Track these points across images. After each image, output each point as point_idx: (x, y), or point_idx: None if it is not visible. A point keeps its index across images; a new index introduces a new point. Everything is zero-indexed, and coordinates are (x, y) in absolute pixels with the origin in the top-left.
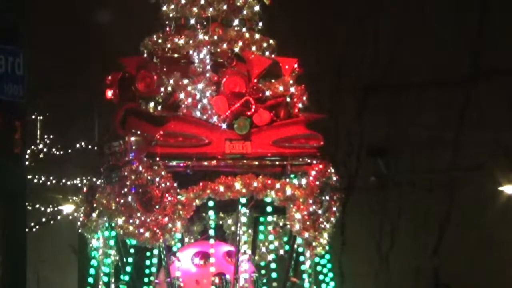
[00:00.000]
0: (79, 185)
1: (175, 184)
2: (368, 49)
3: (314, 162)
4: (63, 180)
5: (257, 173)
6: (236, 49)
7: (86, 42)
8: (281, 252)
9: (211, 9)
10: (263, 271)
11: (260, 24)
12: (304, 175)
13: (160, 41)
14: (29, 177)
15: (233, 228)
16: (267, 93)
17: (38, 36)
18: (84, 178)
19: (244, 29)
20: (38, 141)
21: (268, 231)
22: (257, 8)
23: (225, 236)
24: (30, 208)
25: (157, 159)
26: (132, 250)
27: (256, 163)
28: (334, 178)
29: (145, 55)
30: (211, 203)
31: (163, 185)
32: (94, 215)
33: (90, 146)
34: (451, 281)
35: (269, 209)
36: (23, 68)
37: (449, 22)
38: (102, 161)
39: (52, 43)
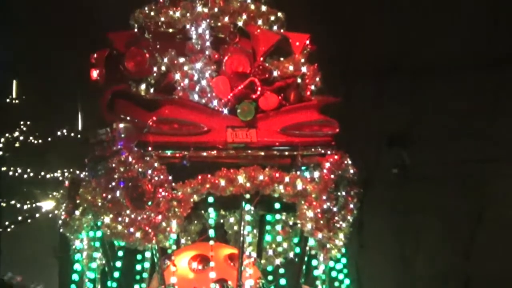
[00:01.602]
0: (61, 178)
1: (170, 178)
2: (389, 27)
3: (329, 152)
4: (42, 173)
5: (263, 165)
6: (240, 23)
7: (69, 15)
8: (291, 255)
9: None
10: (270, 277)
11: None
12: (317, 167)
13: (152, 13)
14: (3, 169)
15: (235, 228)
16: (275, 73)
17: (13, 9)
18: (66, 170)
19: (248, 0)
20: (13, 128)
21: (276, 231)
22: None
23: (226, 237)
24: (4, 204)
25: (149, 148)
26: (120, 253)
27: (262, 153)
28: (351, 171)
29: (136, 30)
30: (210, 199)
31: (156, 178)
32: (77, 212)
33: (72, 134)
34: None
35: (277, 206)
36: None
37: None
38: (86, 151)
39: (30, 16)
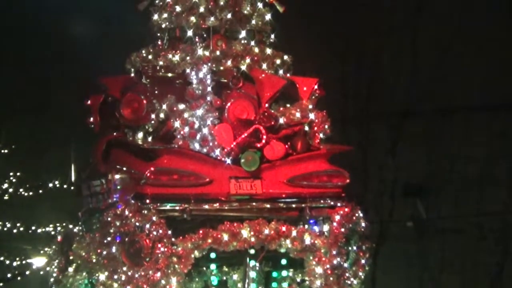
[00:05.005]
0: (52, 233)
1: (169, 232)
2: (404, 66)
3: (339, 204)
4: (33, 227)
5: (268, 218)
6: (243, 67)
7: (61, 59)
8: None
9: (212, 18)
10: None
11: (273, 36)
12: (327, 221)
13: (150, 57)
14: None
15: (239, 286)
16: (281, 120)
17: (3, 52)
18: (58, 224)
19: (252, 43)
20: (1, 179)
21: None
22: (268, 17)
23: None
24: None
25: (147, 201)
26: None
27: (268, 206)
28: (363, 224)
29: (132, 75)
30: (213, 255)
31: (154, 233)
32: (70, 269)
33: (65, 186)
34: None
35: (283, 262)
36: None
37: (502, 37)
38: (80, 204)
39: (20, 60)
